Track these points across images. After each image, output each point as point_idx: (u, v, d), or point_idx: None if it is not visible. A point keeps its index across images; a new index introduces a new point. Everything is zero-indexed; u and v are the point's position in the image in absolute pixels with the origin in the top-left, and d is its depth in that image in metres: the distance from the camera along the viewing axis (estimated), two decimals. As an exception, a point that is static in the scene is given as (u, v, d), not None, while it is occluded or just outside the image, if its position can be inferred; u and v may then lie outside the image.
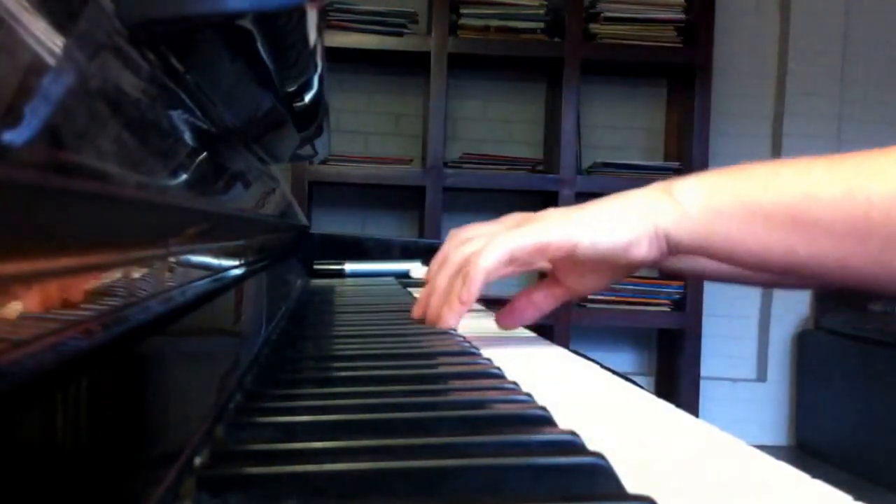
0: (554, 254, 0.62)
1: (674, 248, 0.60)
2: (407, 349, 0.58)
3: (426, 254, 1.34)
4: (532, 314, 0.71)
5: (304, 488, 0.27)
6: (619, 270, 0.65)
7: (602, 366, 0.60)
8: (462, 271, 0.64)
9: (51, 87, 0.20)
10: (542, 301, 0.71)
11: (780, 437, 3.10)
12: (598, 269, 0.66)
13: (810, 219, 0.54)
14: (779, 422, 3.10)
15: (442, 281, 0.68)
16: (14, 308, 0.18)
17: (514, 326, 0.73)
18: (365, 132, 3.03)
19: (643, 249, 0.60)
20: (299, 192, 2.68)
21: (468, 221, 2.85)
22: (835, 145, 3.08)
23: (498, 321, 0.73)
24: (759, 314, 3.14)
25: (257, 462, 0.29)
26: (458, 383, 0.46)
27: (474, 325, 0.78)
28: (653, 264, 0.62)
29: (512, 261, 0.62)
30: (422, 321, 0.71)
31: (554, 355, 0.65)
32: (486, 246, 0.62)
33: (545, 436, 0.32)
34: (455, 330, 0.66)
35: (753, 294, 3.10)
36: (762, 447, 0.35)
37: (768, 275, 0.65)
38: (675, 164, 2.90)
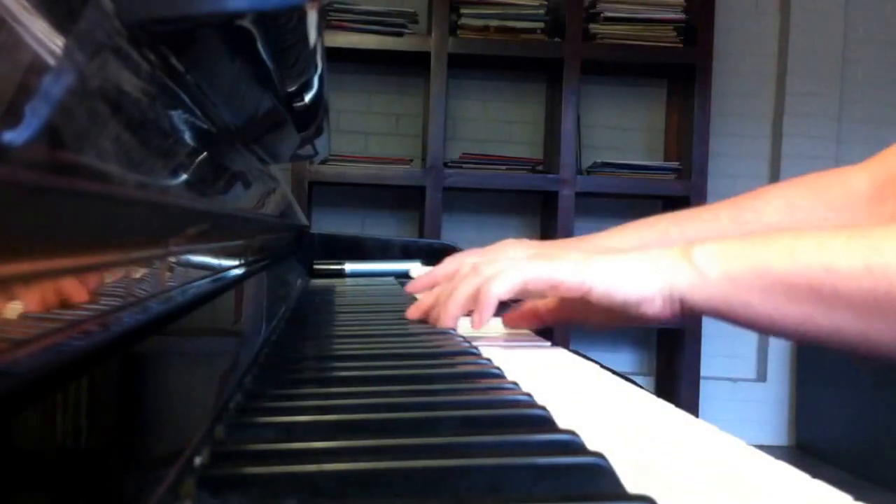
0: (564, 294, 0.63)
1: (688, 310, 0.60)
2: (407, 349, 0.58)
3: (426, 254, 1.34)
4: (533, 323, 0.74)
5: (304, 488, 0.27)
6: (628, 321, 0.66)
7: (602, 366, 0.60)
8: (474, 286, 0.65)
9: (51, 87, 0.20)
10: (546, 316, 0.73)
11: (780, 437, 3.10)
12: (606, 313, 0.66)
13: (830, 292, 0.54)
14: (779, 422, 3.10)
15: (447, 288, 0.69)
16: (14, 308, 0.18)
17: (516, 327, 0.76)
18: (365, 132, 3.03)
19: (656, 307, 0.61)
20: (299, 192, 2.68)
21: (468, 221, 2.86)
22: (834, 145, 3.08)
23: (504, 320, 0.76)
24: (759, 314, 3.14)
25: (257, 462, 0.29)
26: (458, 383, 0.46)
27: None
28: (664, 321, 0.62)
29: (523, 292, 0.64)
30: (418, 321, 0.72)
31: (554, 355, 0.65)
32: (502, 273, 0.63)
33: (545, 436, 0.32)
34: (455, 330, 0.66)
35: (753, 294, 3.10)
36: (762, 447, 0.35)
37: None
38: (675, 164, 2.90)
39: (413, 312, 0.74)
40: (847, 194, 0.80)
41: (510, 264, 0.64)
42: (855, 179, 0.80)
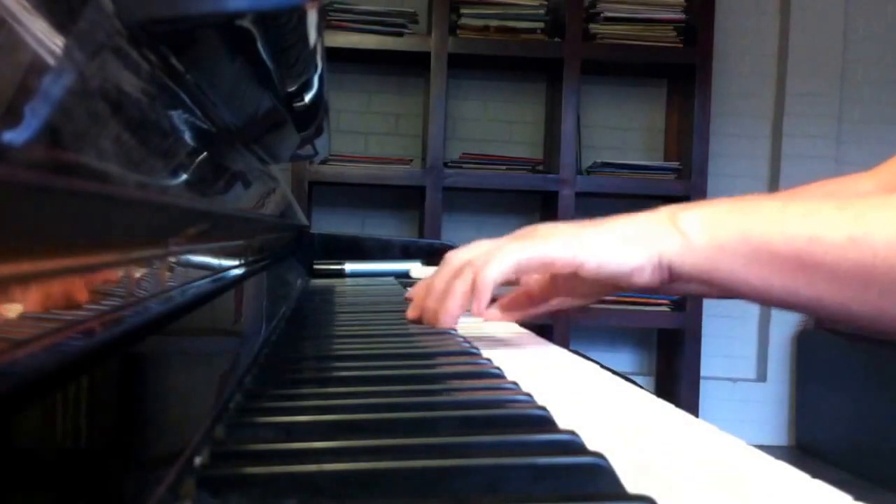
0: (558, 270, 0.64)
1: (676, 276, 0.61)
2: (407, 349, 0.58)
3: (426, 254, 1.34)
4: (526, 307, 0.74)
5: (303, 488, 0.27)
6: (618, 289, 0.67)
7: (602, 366, 0.60)
8: (468, 280, 0.65)
9: (51, 87, 0.20)
10: (539, 297, 0.73)
11: (780, 437, 3.10)
12: (597, 285, 0.68)
13: (814, 262, 0.54)
14: (779, 422, 3.10)
15: (440, 283, 0.69)
16: (14, 308, 0.18)
17: (515, 318, 0.76)
18: (365, 132, 3.03)
19: (646, 275, 0.61)
20: (299, 192, 2.68)
21: (468, 221, 2.85)
22: (834, 145, 3.08)
23: (499, 306, 0.76)
24: (759, 314, 3.14)
25: (257, 462, 0.29)
26: (458, 383, 0.46)
27: (474, 324, 0.78)
28: (654, 289, 0.63)
29: (517, 272, 0.64)
30: (417, 321, 0.72)
31: (554, 355, 0.65)
32: (493, 257, 0.64)
33: (545, 435, 0.32)
34: (455, 330, 0.66)
35: (753, 294, 3.10)
36: (762, 447, 0.35)
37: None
38: (675, 164, 2.90)
39: (412, 313, 0.73)
40: None
41: (501, 248, 0.64)
42: (861, 186, 0.80)
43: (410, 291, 0.81)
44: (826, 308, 0.55)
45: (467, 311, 0.67)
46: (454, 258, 0.71)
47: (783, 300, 0.57)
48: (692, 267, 0.59)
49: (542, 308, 0.74)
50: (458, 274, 0.67)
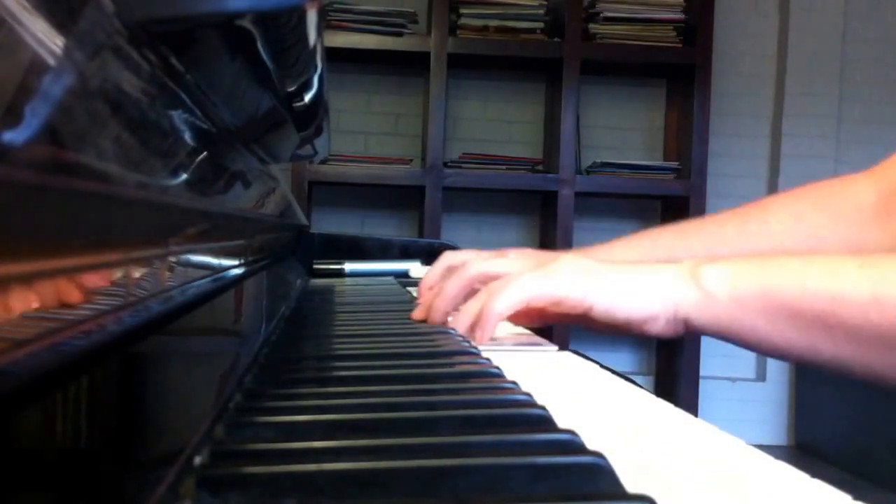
0: (567, 310, 0.62)
1: (692, 329, 0.60)
2: (407, 349, 0.58)
3: (425, 254, 1.34)
4: (537, 320, 0.72)
5: (303, 488, 0.27)
6: (627, 333, 0.65)
7: (602, 365, 0.60)
8: (477, 307, 0.65)
9: (51, 87, 0.20)
10: (552, 316, 0.69)
11: (779, 437, 3.10)
12: (606, 325, 0.65)
13: (836, 321, 0.53)
14: (778, 421, 3.10)
15: (452, 288, 0.71)
16: (14, 308, 0.18)
17: (511, 321, 0.75)
18: (365, 132, 3.03)
19: (658, 326, 0.60)
20: (299, 192, 2.68)
21: (468, 221, 2.85)
22: (834, 145, 3.08)
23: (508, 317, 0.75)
24: (759, 314, 3.14)
25: (257, 461, 0.29)
26: (457, 383, 0.46)
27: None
28: (666, 338, 0.62)
29: (526, 305, 0.63)
30: (423, 321, 0.72)
31: (553, 355, 0.65)
32: (505, 289, 0.63)
33: (545, 435, 0.32)
34: (455, 329, 0.66)
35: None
36: (762, 447, 0.35)
37: None
38: (675, 164, 2.90)
39: (419, 313, 0.74)
40: (853, 206, 0.78)
41: (512, 280, 0.63)
42: (860, 190, 0.79)
43: (418, 310, 0.80)
44: (849, 367, 0.55)
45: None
46: (474, 267, 0.71)
47: (805, 358, 0.56)
48: (710, 321, 0.58)
49: (544, 323, 0.72)
50: (468, 285, 0.69)
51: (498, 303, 0.63)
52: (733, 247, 0.80)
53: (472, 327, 0.65)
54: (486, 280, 0.70)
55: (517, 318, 0.74)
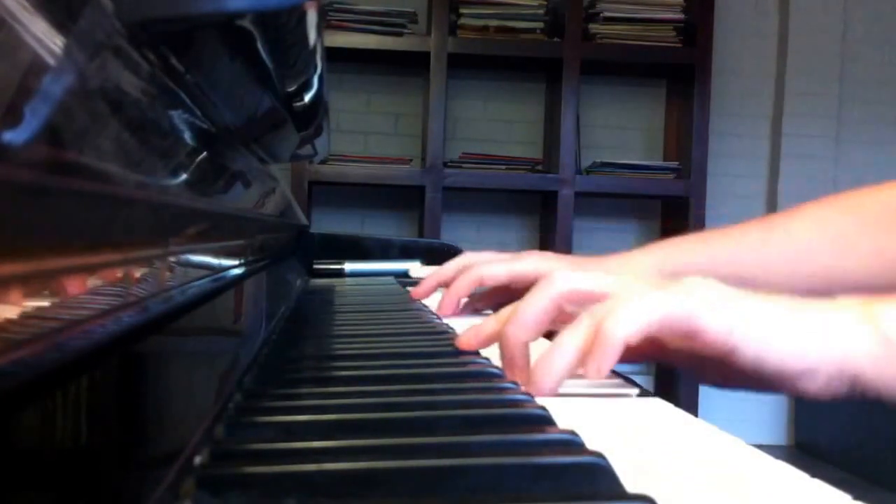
0: (702, 349, 0.45)
1: (862, 390, 0.45)
2: (407, 349, 0.58)
3: (426, 254, 1.34)
4: (627, 360, 0.50)
5: (303, 488, 0.27)
6: (760, 388, 0.48)
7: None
8: (585, 333, 0.45)
9: (51, 87, 0.20)
10: (635, 355, 0.50)
11: (779, 437, 3.10)
12: (731, 374, 0.48)
13: None
14: (778, 421, 3.10)
15: (534, 310, 0.50)
16: (14, 308, 0.18)
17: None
18: (365, 132, 3.03)
19: (816, 385, 0.45)
20: (299, 192, 2.68)
21: (468, 221, 2.85)
22: (834, 145, 3.08)
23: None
24: (759, 314, 3.14)
25: (257, 461, 0.29)
26: (457, 383, 0.46)
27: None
28: (821, 400, 0.46)
29: (652, 333, 0.45)
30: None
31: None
32: (630, 305, 0.45)
33: (544, 435, 0.32)
34: (453, 329, 0.66)
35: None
36: (762, 447, 0.35)
37: None
38: (675, 164, 2.90)
39: (469, 340, 0.54)
40: (881, 210, 0.73)
41: (635, 298, 0.45)
42: (889, 196, 0.76)
43: (419, 288, 0.69)
44: None
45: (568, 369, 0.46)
46: (563, 283, 0.50)
47: None
48: (891, 382, 0.44)
49: (636, 362, 0.52)
50: (575, 325, 0.46)
51: (620, 325, 0.44)
52: (758, 254, 0.75)
53: (579, 359, 0.45)
54: (576, 300, 0.50)
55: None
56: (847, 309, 0.46)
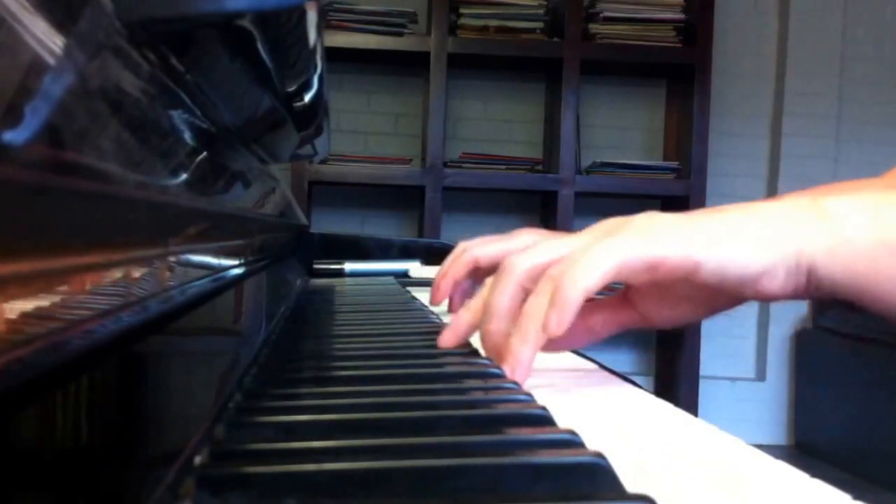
0: (666, 275, 0.46)
1: (817, 284, 0.45)
2: (407, 349, 0.57)
3: (426, 253, 1.34)
4: (584, 340, 0.55)
5: (303, 488, 0.27)
6: (730, 303, 0.50)
7: (601, 366, 0.60)
8: (547, 294, 0.46)
9: (51, 87, 0.20)
10: (601, 327, 0.54)
11: (779, 437, 3.10)
12: (700, 298, 0.51)
13: None
14: (778, 421, 3.10)
15: (501, 299, 0.50)
16: (14, 308, 0.18)
17: (559, 350, 0.57)
18: (365, 132, 3.03)
19: (777, 282, 0.45)
20: (299, 192, 2.68)
21: (468, 221, 2.85)
22: (834, 145, 3.08)
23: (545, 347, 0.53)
24: (758, 313, 3.14)
25: (257, 461, 0.29)
26: (457, 383, 0.46)
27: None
28: (782, 299, 0.47)
29: (616, 278, 0.46)
30: (456, 347, 0.55)
31: (552, 355, 0.65)
32: (587, 257, 0.45)
33: (545, 435, 0.32)
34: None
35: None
36: (761, 447, 0.35)
37: None
38: (675, 164, 2.90)
39: (449, 339, 0.54)
40: None
41: (592, 248, 0.45)
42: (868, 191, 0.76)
43: (435, 294, 0.68)
44: None
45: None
46: (519, 264, 0.50)
47: None
48: (845, 271, 0.44)
49: (603, 338, 0.55)
50: (520, 287, 0.49)
51: (583, 272, 0.44)
52: None
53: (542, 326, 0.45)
54: (538, 274, 0.49)
55: (562, 345, 0.55)
56: (797, 205, 0.46)
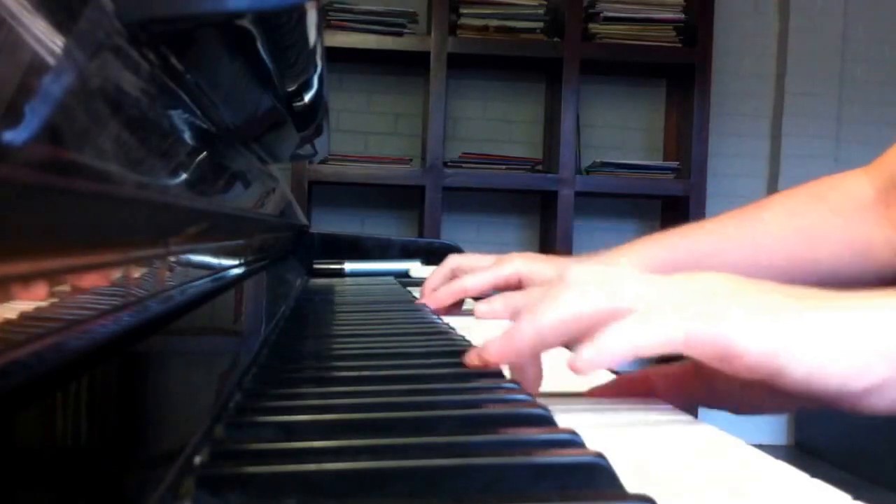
0: (743, 371, 0.38)
1: None
2: (407, 349, 0.57)
3: (426, 253, 1.34)
4: (640, 395, 0.47)
5: (303, 487, 0.27)
6: (809, 406, 0.41)
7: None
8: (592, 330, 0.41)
9: (51, 86, 0.20)
10: (665, 391, 0.47)
11: (779, 437, 3.10)
12: (784, 398, 0.41)
13: None
14: (778, 421, 3.10)
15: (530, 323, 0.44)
16: (14, 308, 0.18)
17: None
18: (365, 132, 3.03)
19: (885, 401, 0.37)
20: (299, 192, 2.68)
21: (468, 221, 2.85)
22: (834, 145, 3.08)
23: (595, 391, 0.48)
24: (759, 314, 3.14)
25: (257, 461, 0.29)
26: (457, 383, 0.46)
27: (471, 322, 0.78)
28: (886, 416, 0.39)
29: (676, 351, 0.41)
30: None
31: (552, 355, 0.65)
32: (647, 317, 0.40)
33: (545, 435, 0.32)
34: (454, 329, 0.66)
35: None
36: (762, 447, 0.35)
37: None
38: (675, 164, 2.90)
39: (472, 359, 0.46)
40: (850, 198, 0.75)
41: (656, 309, 0.40)
42: (857, 183, 0.77)
43: (425, 289, 0.70)
44: None
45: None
46: (576, 288, 0.43)
47: None
48: None
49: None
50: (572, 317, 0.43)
51: (639, 333, 0.40)
52: (734, 244, 0.77)
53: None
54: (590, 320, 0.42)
55: (615, 391, 0.48)
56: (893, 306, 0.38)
